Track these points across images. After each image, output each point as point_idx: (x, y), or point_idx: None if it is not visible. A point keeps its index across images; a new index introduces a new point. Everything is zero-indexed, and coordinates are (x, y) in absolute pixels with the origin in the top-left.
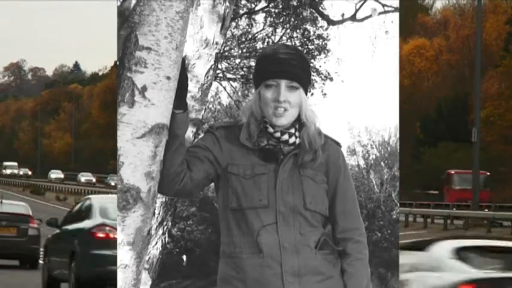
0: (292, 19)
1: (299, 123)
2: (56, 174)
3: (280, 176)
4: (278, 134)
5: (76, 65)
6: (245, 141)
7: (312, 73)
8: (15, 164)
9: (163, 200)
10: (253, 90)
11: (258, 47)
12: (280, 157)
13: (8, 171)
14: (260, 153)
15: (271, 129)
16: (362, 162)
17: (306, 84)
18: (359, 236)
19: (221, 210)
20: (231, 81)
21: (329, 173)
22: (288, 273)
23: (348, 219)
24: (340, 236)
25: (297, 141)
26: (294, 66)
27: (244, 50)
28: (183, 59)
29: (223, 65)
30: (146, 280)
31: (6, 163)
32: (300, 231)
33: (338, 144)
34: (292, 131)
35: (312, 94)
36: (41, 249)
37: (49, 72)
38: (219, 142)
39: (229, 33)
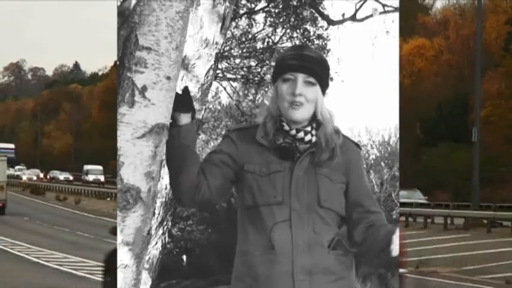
0: (292, 19)
1: (316, 121)
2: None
3: (296, 173)
4: (294, 132)
5: (76, 65)
6: (261, 139)
7: None
8: (100, 167)
9: (163, 200)
10: (253, 90)
11: (258, 47)
12: (296, 155)
13: (91, 178)
14: (276, 151)
15: (287, 127)
16: (363, 160)
17: (324, 84)
18: (378, 208)
19: (238, 209)
20: (231, 81)
21: (350, 174)
22: (298, 271)
23: (376, 215)
24: (368, 225)
25: (313, 139)
26: (313, 63)
27: (244, 50)
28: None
29: (223, 65)
30: (146, 280)
31: (87, 167)
32: (314, 229)
33: (358, 146)
34: (309, 129)
35: None
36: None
37: (49, 72)
38: (235, 143)
39: (229, 33)
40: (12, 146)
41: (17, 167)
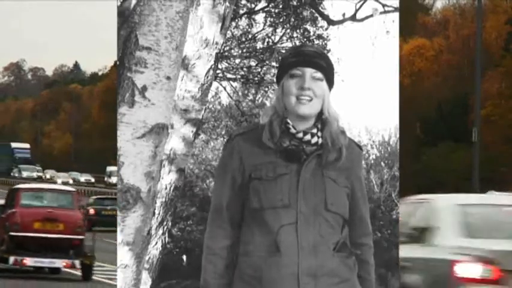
0: (292, 19)
1: (321, 122)
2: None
3: (303, 176)
4: (300, 135)
5: (76, 65)
6: (267, 141)
7: None
8: None
9: (163, 200)
10: (253, 90)
11: (258, 47)
12: (302, 157)
13: (114, 180)
14: (282, 153)
15: (293, 130)
16: (362, 162)
17: (330, 80)
18: (371, 242)
19: (243, 210)
20: (231, 81)
21: (351, 177)
22: (304, 273)
23: (364, 225)
24: (358, 241)
25: (320, 141)
26: (319, 58)
27: (244, 50)
28: None
29: (223, 65)
30: (146, 280)
31: (111, 168)
32: (320, 232)
33: (360, 148)
34: (314, 131)
35: None
36: None
37: (49, 72)
38: (239, 151)
39: (229, 33)
40: (27, 145)
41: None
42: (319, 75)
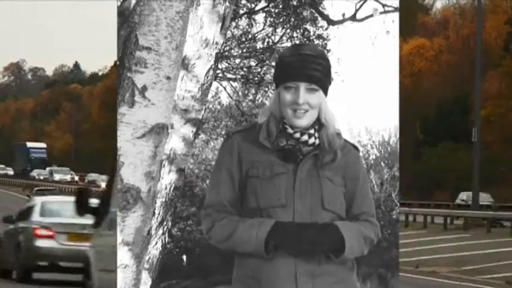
0: (292, 19)
1: (318, 123)
2: None
3: (299, 176)
4: (298, 135)
5: (76, 65)
6: (264, 141)
7: None
8: None
9: (163, 200)
10: (253, 90)
11: (258, 47)
12: (299, 157)
13: None
14: (279, 153)
15: (290, 130)
16: (362, 162)
17: (326, 85)
18: (374, 220)
19: (240, 209)
20: (231, 81)
21: (347, 177)
22: (301, 273)
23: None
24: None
25: (316, 141)
26: (314, 69)
27: (244, 50)
28: None
29: (223, 65)
30: (146, 280)
31: None
32: None
33: (357, 149)
34: (312, 131)
35: None
36: None
37: (49, 72)
38: (237, 149)
39: (229, 33)
40: (44, 145)
41: (48, 168)
42: (314, 86)
